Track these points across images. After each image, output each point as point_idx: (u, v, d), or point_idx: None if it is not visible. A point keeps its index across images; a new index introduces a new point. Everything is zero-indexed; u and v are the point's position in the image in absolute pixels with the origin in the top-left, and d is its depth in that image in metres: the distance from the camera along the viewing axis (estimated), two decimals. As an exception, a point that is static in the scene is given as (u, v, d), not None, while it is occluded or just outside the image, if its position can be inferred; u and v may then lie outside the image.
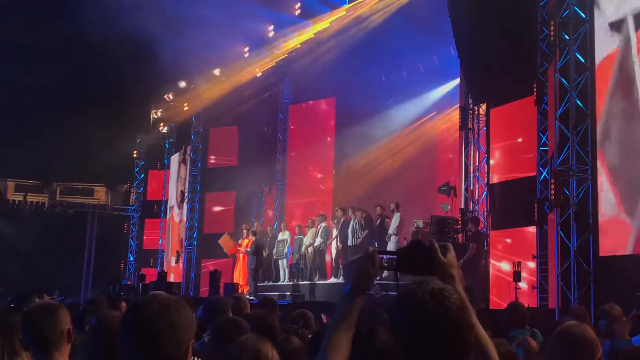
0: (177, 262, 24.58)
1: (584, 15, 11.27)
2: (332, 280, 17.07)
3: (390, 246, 15.36)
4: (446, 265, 2.31)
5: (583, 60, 11.24)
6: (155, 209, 27.63)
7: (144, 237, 27.72)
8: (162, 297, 2.22)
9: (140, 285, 19.37)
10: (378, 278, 15.23)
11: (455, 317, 1.94)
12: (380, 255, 2.37)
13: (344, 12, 19.47)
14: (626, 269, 10.05)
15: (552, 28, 11.79)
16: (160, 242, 26.98)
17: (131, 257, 27.39)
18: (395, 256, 2.39)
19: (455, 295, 1.97)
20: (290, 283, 18.25)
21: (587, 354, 3.35)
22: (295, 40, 21.05)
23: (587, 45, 11.24)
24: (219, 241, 20.07)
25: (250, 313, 4.96)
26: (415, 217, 15.94)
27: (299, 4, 20.13)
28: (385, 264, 2.37)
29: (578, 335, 3.39)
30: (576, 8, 11.32)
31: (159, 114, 26.44)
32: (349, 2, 19.27)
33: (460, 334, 1.94)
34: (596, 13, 11.21)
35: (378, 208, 16.10)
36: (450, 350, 1.94)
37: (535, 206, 12.61)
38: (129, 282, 24.05)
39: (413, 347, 1.94)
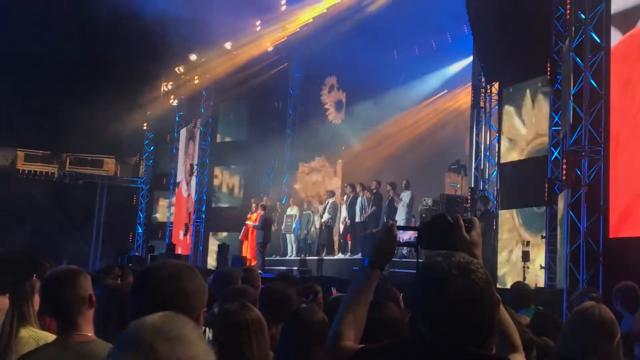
0: (185, 235, 24.67)
1: (601, -6, 11.11)
2: (340, 256, 17.11)
3: (400, 223, 15.34)
4: (470, 244, 2.25)
5: (599, 40, 11.07)
6: (165, 181, 27.68)
7: (154, 209, 27.86)
8: (172, 262, 2.17)
9: (149, 256, 19.45)
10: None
11: (482, 291, 1.88)
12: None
13: (358, -13, 19.27)
14: (636, 252, 9.99)
15: (568, 6, 11.65)
16: (168, 215, 27.05)
17: (139, 229, 27.49)
18: (416, 231, 2.33)
19: (482, 270, 1.91)
20: (298, 258, 18.32)
21: (607, 335, 3.30)
22: (307, 14, 20.86)
23: (602, 24, 11.07)
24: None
25: (269, 285, 4.94)
26: (425, 195, 15.90)
27: (312, -23, 19.95)
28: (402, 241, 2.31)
29: (597, 317, 3.34)
30: (594, -14, 11.15)
31: (169, 86, 26.36)
32: (363, -23, 19.08)
33: (486, 310, 1.88)
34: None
35: (388, 187, 16.05)
36: (476, 326, 1.88)
37: (546, 186, 12.56)
38: (137, 254, 24.15)
39: (437, 323, 1.88)
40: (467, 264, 1.91)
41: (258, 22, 21.92)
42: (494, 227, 14.26)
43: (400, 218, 15.44)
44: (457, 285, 1.86)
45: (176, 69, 25.08)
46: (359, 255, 15.96)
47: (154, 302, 2.04)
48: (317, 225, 17.84)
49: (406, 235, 2.33)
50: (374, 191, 16.17)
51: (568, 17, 11.68)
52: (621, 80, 10.78)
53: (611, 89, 10.85)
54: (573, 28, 11.46)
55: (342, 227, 17.31)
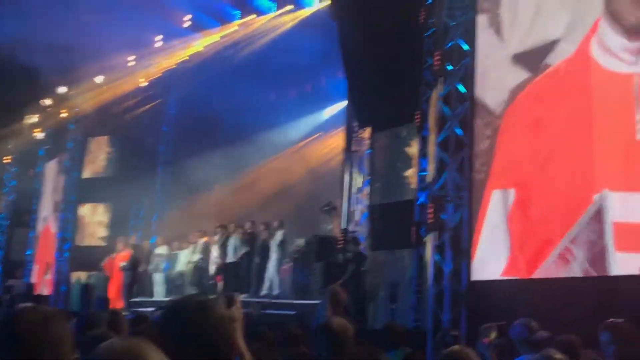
0: (46, 274, 23.46)
1: (467, 47, 11.72)
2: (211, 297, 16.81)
3: (272, 264, 15.33)
4: (228, 320, 2.31)
5: (464, 91, 11.66)
6: (26, 218, 26.29)
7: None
8: (41, 309, 2.07)
9: (9, 297, 18.35)
10: (257, 296, 15.17)
11: (215, 323, 2.05)
12: None
13: (236, 28, 19.39)
14: (496, 294, 10.46)
15: (437, 58, 12.19)
16: (28, 253, 25.67)
17: (-4, 268, 25.89)
18: None
19: (219, 306, 2.11)
20: (166, 299, 17.86)
21: None
22: (183, 52, 20.75)
23: (468, 76, 11.68)
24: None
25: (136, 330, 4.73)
26: (297, 236, 16.00)
27: (189, 16, 19.86)
28: None
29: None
30: (460, 40, 11.76)
31: (34, 119, 25.27)
32: (241, 18, 19.21)
33: (219, 342, 2.04)
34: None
35: (262, 226, 16.01)
36: (207, 356, 2.02)
37: (413, 229, 12.92)
38: (-8, 295, 22.68)
39: (175, 354, 1.98)
40: (205, 299, 2.13)
41: (132, 57, 21.52)
42: (364, 268, 14.48)
43: (273, 258, 15.42)
44: (192, 318, 2.05)
45: (41, 102, 24.11)
46: (229, 296, 15.75)
47: (22, 351, 1.90)
48: (188, 266, 17.50)
49: None
50: (248, 231, 16.08)
51: (436, 68, 12.21)
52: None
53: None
54: (440, 79, 12.00)
55: (213, 267, 17.05)
